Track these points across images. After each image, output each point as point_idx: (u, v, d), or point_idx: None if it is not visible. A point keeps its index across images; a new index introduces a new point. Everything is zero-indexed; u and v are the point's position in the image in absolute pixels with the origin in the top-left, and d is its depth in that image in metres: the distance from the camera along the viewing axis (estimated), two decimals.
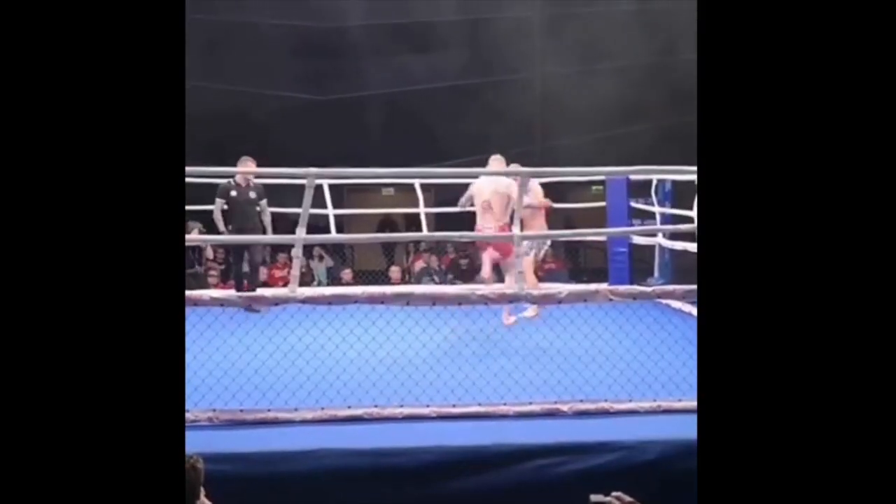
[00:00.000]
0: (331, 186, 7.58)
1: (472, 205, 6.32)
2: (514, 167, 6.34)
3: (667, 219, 7.53)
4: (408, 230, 10.23)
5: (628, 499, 1.56)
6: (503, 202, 5.95)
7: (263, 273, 10.42)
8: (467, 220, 8.59)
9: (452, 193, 8.70)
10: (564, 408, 3.88)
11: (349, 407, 3.82)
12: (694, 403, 3.91)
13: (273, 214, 7.35)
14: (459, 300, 4.17)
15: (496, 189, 5.98)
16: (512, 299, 4.22)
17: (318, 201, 7.20)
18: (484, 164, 6.28)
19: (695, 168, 5.47)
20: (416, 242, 11.29)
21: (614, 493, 1.62)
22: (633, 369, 4.28)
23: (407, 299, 4.09)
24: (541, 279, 7.73)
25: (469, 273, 11.16)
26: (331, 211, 7.39)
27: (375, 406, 3.84)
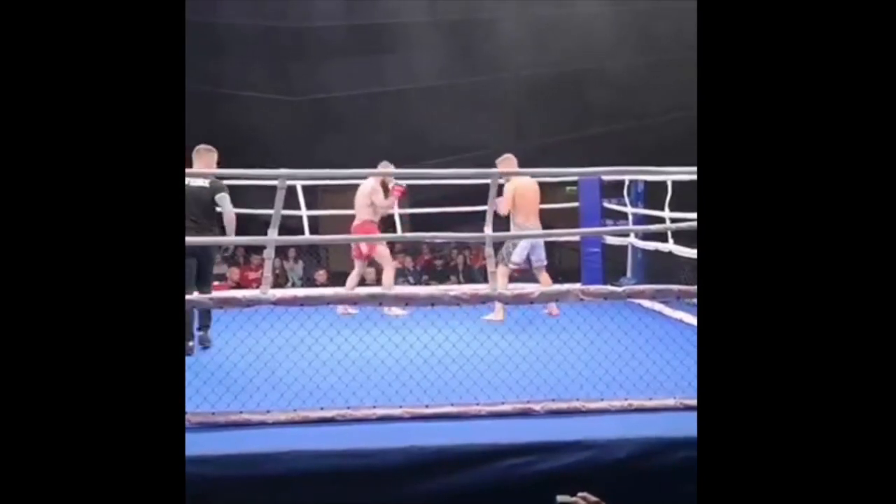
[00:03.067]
0: (305, 188, 7.55)
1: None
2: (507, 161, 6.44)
3: (639, 219, 7.59)
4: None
5: (594, 499, 1.58)
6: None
7: (236, 274, 10.39)
8: (441, 221, 8.63)
9: (427, 194, 8.73)
10: (537, 407, 3.90)
11: (321, 409, 3.82)
12: (665, 401, 3.98)
13: (244, 215, 7.29)
14: (432, 301, 4.17)
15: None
16: (485, 300, 4.23)
17: (292, 202, 7.20)
18: (458, 164, 6.32)
19: (666, 169, 5.54)
20: (391, 243, 11.29)
21: (580, 494, 1.63)
22: (604, 368, 4.31)
23: (379, 300, 4.09)
24: (516, 279, 7.76)
25: (444, 273, 11.19)
26: (304, 212, 7.37)
27: (348, 407, 3.84)
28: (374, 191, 6.88)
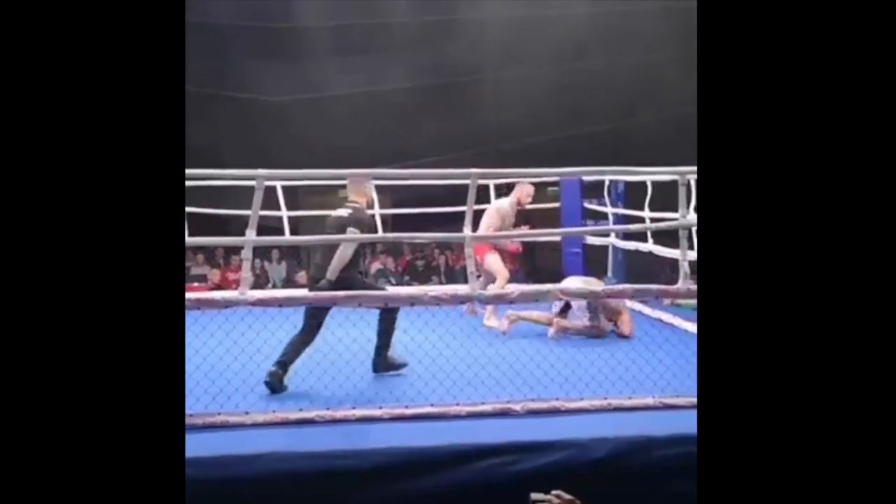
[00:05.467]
0: (286, 188, 7.52)
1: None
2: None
3: (619, 219, 7.62)
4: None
5: (567, 496, 1.58)
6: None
7: (216, 276, 10.34)
8: (423, 222, 8.61)
9: (408, 195, 8.72)
10: (516, 407, 3.91)
11: (300, 410, 3.80)
12: (644, 400, 3.99)
13: (224, 216, 7.25)
14: (411, 301, 4.17)
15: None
16: (464, 300, 4.23)
17: (273, 203, 7.16)
18: (439, 165, 6.32)
19: (646, 169, 5.57)
20: (372, 244, 11.27)
21: (554, 492, 1.63)
22: (583, 368, 4.32)
23: (358, 301, 4.08)
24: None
25: (425, 274, 11.19)
26: (284, 213, 7.34)
27: (327, 408, 3.82)
28: (504, 215, 6.40)
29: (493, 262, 6.26)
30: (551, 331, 5.68)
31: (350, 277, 4.46)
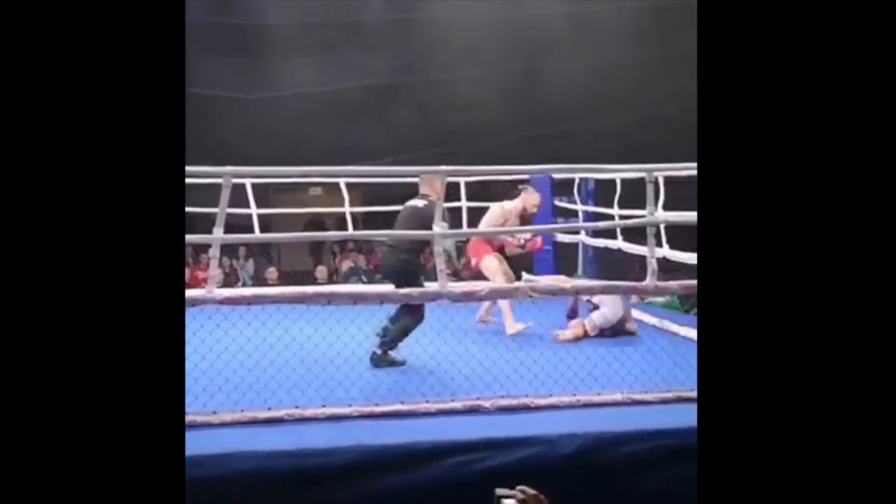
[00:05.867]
0: (256, 187, 7.47)
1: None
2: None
3: (589, 217, 7.66)
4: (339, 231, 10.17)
5: (532, 492, 1.59)
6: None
7: (185, 274, 10.26)
8: (394, 220, 8.58)
9: (380, 193, 8.70)
10: (486, 404, 3.91)
11: (269, 409, 3.78)
12: (613, 396, 4.02)
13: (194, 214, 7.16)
14: (381, 299, 4.16)
15: None
16: (434, 298, 4.23)
17: (243, 201, 7.10)
18: (411, 162, 6.31)
19: (615, 166, 5.59)
20: (344, 242, 11.22)
21: (519, 487, 1.64)
22: (552, 364, 4.34)
23: (328, 298, 4.07)
24: (467, 278, 7.79)
25: None
26: (254, 210, 7.29)
27: (296, 407, 3.80)
28: (507, 217, 6.37)
29: (490, 264, 6.20)
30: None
31: (413, 263, 5.00)
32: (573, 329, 5.65)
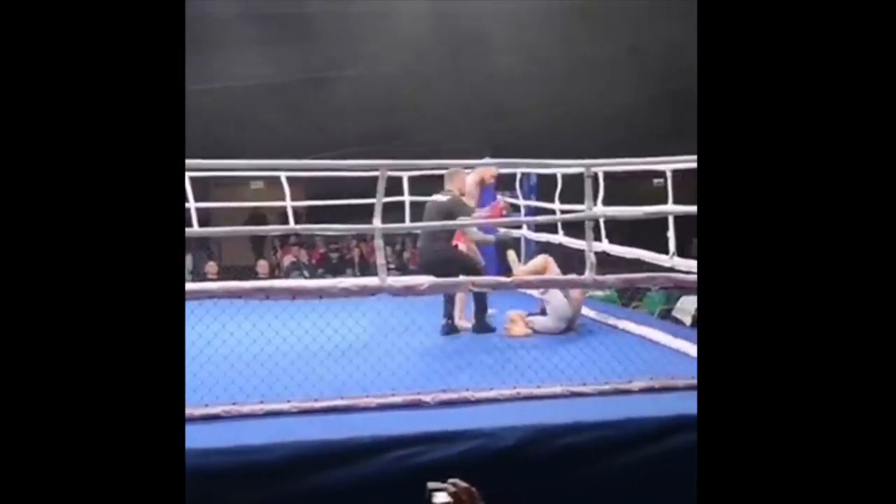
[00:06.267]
0: (195, 180, 7.33)
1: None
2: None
3: (531, 211, 7.71)
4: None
5: (464, 484, 1.59)
6: None
7: None
8: (338, 215, 8.52)
9: (321, 187, 8.62)
10: (427, 398, 3.91)
11: (206, 405, 3.71)
12: (552, 389, 4.05)
13: None
14: (320, 293, 4.12)
15: None
16: (375, 292, 4.20)
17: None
18: (350, 156, 6.26)
19: (555, 161, 5.64)
20: (286, 236, 11.10)
21: (451, 479, 1.64)
22: (493, 357, 4.36)
23: (266, 293, 4.01)
24: (412, 272, 7.77)
25: (339, 267, 11.09)
26: (192, 204, 7.15)
27: (234, 403, 3.75)
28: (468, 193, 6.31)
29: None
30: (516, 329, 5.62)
31: (449, 251, 5.54)
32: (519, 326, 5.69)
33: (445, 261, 5.51)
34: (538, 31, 10.55)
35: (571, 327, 5.77)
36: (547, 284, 5.28)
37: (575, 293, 5.74)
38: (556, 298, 5.65)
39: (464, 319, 5.97)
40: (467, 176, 6.42)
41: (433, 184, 6.21)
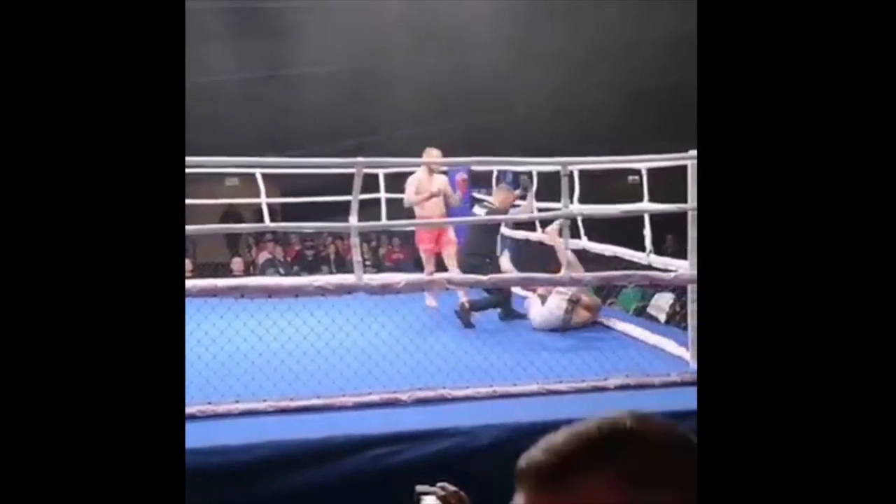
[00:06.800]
0: None
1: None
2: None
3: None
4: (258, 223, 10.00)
5: (452, 488, 1.57)
6: None
7: None
8: (313, 212, 8.50)
9: (296, 184, 8.58)
10: (404, 396, 3.90)
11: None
12: (528, 387, 4.06)
13: None
14: (296, 292, 4.10)
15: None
16: (350, 290, 4.19)
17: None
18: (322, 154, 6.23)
19: (531, 159, 5.64)
20: (261, 233, 11.04)
21: (439, 484, 1.63)
22: (470, 356, 4.36)
23: (241, 292, 3.99)
24: (387, 269, 7.75)
25: (315, 264, 11.04)
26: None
27: (209, 403, 3.72)
28: (418, 183, 6.56)
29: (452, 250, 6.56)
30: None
31: (481, 266, 5.84)
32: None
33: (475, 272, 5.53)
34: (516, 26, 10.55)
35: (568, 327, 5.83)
36: (526, 282, 5.29)
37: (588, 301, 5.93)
38: (534, 306, 5.76)
39: (432, 300, 6.41)
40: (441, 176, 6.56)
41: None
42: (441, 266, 6.56)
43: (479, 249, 6.18)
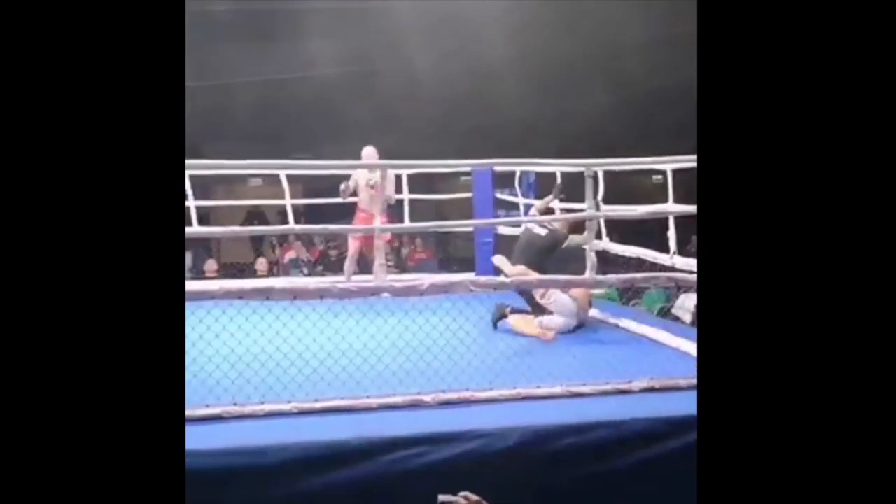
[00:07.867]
0: (195, 178, 7.33)
1: (353, 193, 6.46)
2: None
3: (529, 209, 7.71)
4: (282, 223, 10.07)
5: (475, 498, 1.59)
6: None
7: None
8: (337, 213, 8.55)
9: (324, 184, 8.62)
10: (427, 398, 3.91)
11: (207, 405, 3.71)
12: (552, 389, 4.05)
13: None
14: (321, 294, 4.12)
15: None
16: (374, 292, 4.21)
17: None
18: (350, 155, 6.27)
19: (555, 161, 5.63)
20: (285, 234, 11.10)
21: (462, 493, 1.64)
22: (493, 357, 4.36)
23: (266, 294, 4.01)
24: (411, 269, 7.77)
25: (338, 264, 11.09)
26: (192, 202, 7.16)
27: (234, 404, 3.74)
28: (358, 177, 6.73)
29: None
30: (549, 335, 5.49)
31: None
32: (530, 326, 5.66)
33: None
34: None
35: (582, 324, 5.76)
36: (548, 284, 5.28)
37: (578, 291, 5.74)
38: (558, 298, 5.64)
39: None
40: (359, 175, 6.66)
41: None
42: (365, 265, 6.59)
43: (530, 263, 5.87)
